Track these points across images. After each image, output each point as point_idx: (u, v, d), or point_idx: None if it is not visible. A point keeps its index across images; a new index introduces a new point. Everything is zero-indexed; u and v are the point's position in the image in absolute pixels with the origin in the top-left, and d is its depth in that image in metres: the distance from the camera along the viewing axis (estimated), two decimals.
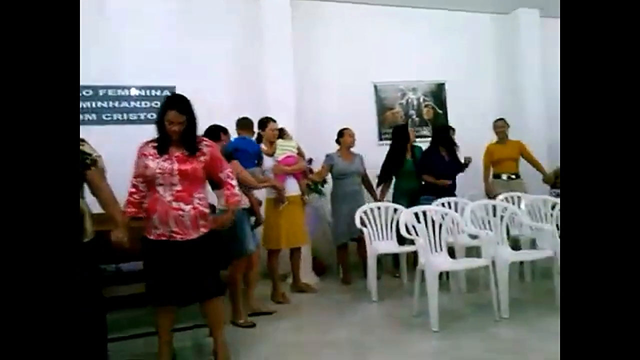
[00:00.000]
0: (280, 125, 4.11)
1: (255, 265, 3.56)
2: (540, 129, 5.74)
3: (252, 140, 3.89)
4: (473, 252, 3.86)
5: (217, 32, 4.87)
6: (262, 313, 3.53)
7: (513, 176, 5.02)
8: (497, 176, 5.05)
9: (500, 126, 5.08)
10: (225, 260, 3.43)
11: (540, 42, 5.89)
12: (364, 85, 5.40)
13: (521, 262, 4.11)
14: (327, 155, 4.53)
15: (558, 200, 4.09)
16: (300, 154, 4.23)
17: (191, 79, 4.47)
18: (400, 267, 4.39)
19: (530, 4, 5.72)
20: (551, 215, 3.96)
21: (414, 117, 5.54)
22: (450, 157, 4.57)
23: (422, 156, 4.68)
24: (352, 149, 4.57)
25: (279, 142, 4.07)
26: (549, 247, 3.55)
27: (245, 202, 3.31)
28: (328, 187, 4.71)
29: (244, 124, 3.89)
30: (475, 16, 5.88)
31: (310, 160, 4.55)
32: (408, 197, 4.54)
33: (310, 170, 4.51)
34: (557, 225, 3.93)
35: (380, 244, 4.10)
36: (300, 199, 4.15)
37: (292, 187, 4.06)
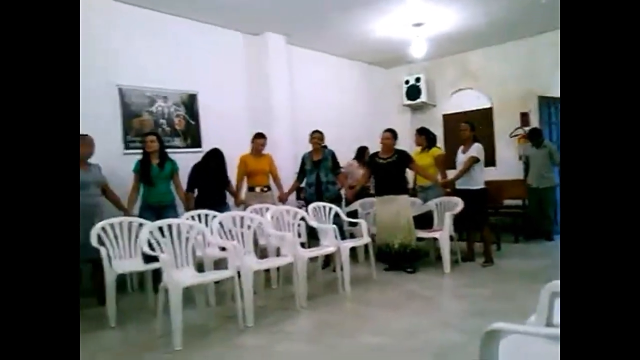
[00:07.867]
0: None
1: None
2: (287, 145, 6.22)
3: None
4: (222, 264, 3.85)
5: None
6: None
7: (265, 189, 5.25)
8: (251, 189, 5.20)
9: (258, 139, 5.24)
10: None
11: (287, 65, 6.44)
12: (107, 87, 4.84)
13: (268, 270, 4.30)
14: None
15: (299, 210, 4.50)
16: None
17: None
18: (146, 287, 4.04)
19: (277, 30, 6.19)
20: (293, 224, 4.29)
21: (165, 126, 5.26)
22: (219, 171, 4.80)
23: (190, 172, 4.75)
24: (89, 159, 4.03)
25: None
26: (290, 253, 3.82)
27: None
28: None
29: None
30: (228, 32, 6.01)
31: None
32: (155, 210, 4.28)
33: None
34: (298, 234, 4.36)
35: (122, 263, 3.69)
36: None
37: None
